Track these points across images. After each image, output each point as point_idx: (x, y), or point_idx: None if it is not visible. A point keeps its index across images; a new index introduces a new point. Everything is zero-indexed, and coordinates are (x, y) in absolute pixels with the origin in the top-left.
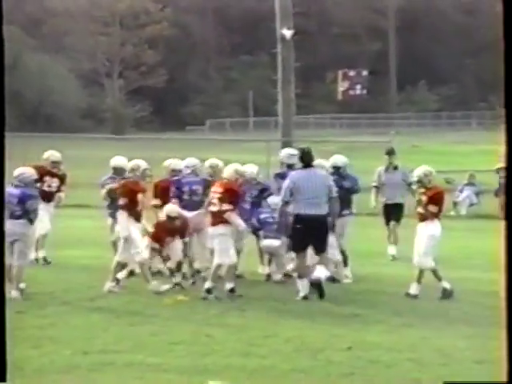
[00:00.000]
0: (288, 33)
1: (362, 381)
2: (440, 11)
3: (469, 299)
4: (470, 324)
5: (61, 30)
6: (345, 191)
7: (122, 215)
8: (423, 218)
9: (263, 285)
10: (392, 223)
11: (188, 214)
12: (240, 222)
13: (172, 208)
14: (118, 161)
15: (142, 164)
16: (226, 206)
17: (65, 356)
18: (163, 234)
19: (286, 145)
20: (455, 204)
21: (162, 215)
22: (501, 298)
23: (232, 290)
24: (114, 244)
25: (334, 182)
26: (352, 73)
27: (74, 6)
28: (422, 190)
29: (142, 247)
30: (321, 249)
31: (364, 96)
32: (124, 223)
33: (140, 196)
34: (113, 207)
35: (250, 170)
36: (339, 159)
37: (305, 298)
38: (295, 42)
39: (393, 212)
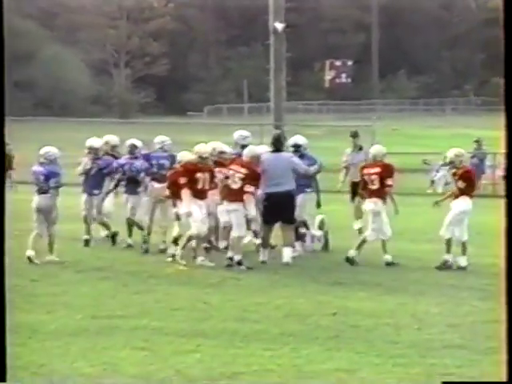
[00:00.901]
0: (280, 26)
1: (346, 344)
2: (419, 6)
3: (441, 270)
4: (442, 292)
5: (74, 23)
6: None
7: (185, 193)
8: (455, 195)
9: (256, 255)
10: (357, 199)
11: (155, 185)
12: (252, 209)
13: None
14: (93, 142)
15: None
16: (248, 188)
17: (75, 320)
18: None
19: (277, 128)
20: (432, 182)
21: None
22: (470, 267)
23: (240, 263)
24: (86, 219)
25: None
26: (338, 63)
27: (86, 1)
28: (454, 170)
29: (200, 222)
30: (288, 221)
31: (349, 84)
32: (186, 200)
33: (199, 175)
34: (87, 184)
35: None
36: (299, 138)
37: (263, 262)
38: (287, 35)
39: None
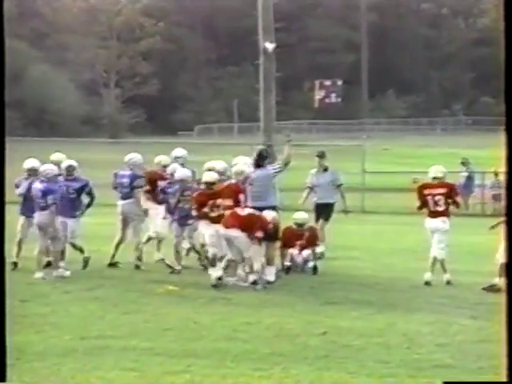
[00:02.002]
0: (270, 46)
1: (336, 363)
2: (408, 26)
3: (430, 288)
4: (432, 311)
5: (63, 43)
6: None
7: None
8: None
9: None
10: (321, 221)
11: (120, 202)
12: None
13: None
14: (32, 163)
15: (246, 169)
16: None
17: (64, 341)
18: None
19: (267, 148)
20: None
21: None
22: (460, 287)
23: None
24: (19, 243)
25: None
26: (328, 82)
27: (76, 21)
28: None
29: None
30: (271, 237)
31: (339, 103)
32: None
33: (242, 196)
34: (25, 207)
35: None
36: (179, 151)
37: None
38: (276, 54)
39: (322, 211)
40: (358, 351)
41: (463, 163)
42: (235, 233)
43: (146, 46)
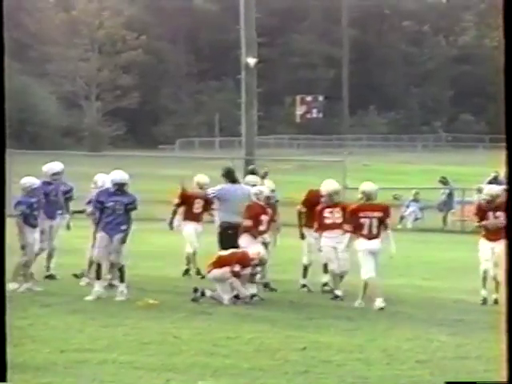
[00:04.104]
0: (252, 61)
1: (316, 378)
2: (389, 42)
3: (410, 304)
4: (412, 327)
5: (45, 55)
6: None
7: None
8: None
9: None
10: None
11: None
12: None
13: None
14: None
15: (265, 190)
16: None
17: (43, 354)
18: None
19: (248, 162)
20: (402, 218)
21: None
22: (440, 303)
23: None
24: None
25: None
26: (309, 98)
27: (58, 32)
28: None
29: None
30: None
31: (320, 119)
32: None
33: (263, 217)
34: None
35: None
36: (56, 165)
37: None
38: (258, 69)
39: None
40: (338, 367)
41: (442, 182)
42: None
43: (128, 59)
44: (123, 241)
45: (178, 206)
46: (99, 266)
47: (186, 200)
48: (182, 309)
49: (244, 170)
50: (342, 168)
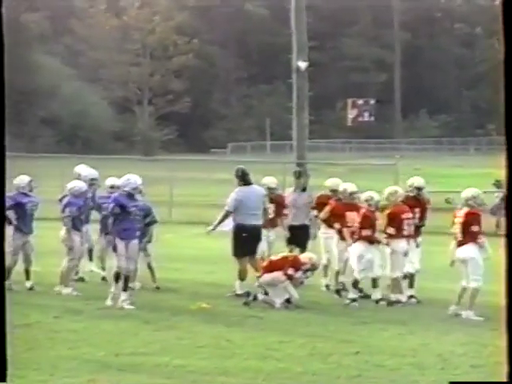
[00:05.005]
0: (303, 64)
1: (368, 383)
2: (441, 45)
3: (464, 308)
4: (466, 331)
5: (97, 61)
6: None
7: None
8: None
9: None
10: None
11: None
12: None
13: None
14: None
15: (350, 187)
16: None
17: (98, 357)
18: None
19: (299, 166)
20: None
21: None
22: (497, 308)
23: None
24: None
25: None
26: (360, 101)
27: (109, 38)
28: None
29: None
30: (254, 252)
31: (371, 123)
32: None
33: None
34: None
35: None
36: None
37: (238, 295)
38: (309, 73)
39: (297, 234)
40: (391, 371)
41: (496, 185)
42: None
43: (179, 64)
44: (139, 247)
45: None
46: (127, 277)
47: None
48: (234, 313)
49: (294, 174)
50: (394, 172)
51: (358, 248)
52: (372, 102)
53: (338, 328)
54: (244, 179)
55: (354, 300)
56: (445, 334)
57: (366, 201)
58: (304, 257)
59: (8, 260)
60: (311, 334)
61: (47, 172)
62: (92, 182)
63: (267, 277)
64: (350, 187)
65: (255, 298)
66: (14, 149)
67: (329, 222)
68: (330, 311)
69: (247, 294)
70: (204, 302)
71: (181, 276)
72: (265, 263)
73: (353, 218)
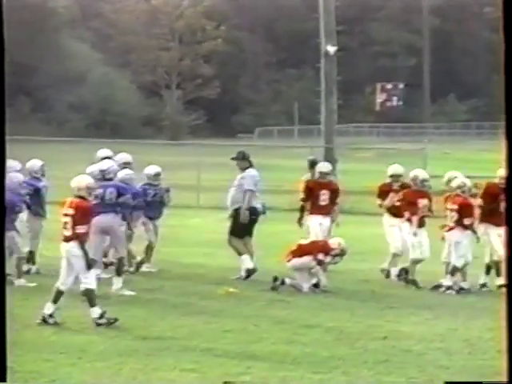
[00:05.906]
0: (332, 49)
1: (396, 368)
2: (470, 30)
3: (491, 294)
4: (493, 317)
5: (126, 45)
6: None
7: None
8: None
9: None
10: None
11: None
12: None
13: None
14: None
15: (421, 174)
16: None
17: (126, 341)
18: None
19: (328, 151)
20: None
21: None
22: None
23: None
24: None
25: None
26: (389, 86)
27: (138, 22)
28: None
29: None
30: (252, 235)
31: (400, 107)
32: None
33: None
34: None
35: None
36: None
37: (249, 270)
38: (338, 58)
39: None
40: (419, 356)
41: None
42: None
43: (208, 49)
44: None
45: (305, 200)
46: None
47: (311, 192)
48: (261, 297)
49: (324, 158)
50: (423, 156)
51: (455, 235)
52: (401, 86)
53: (365, 313)
54: (250, 162)
55: (449, 288)
56: (472, 319)
57: (459, 187)
58: (333, 242)
59: (29, 245)
60: (338, 318)
61: (75, 156)
62: (125, 166)
63: (297, 261)
64: (422, 174)
65: (283, 283)
66: (43, 133)
67: (393, 211)
68: (357, 296)
69: (275, 278)
70: (231, 286)
71: (208, 261)
72: (294, 247)
73: (425, 204)
